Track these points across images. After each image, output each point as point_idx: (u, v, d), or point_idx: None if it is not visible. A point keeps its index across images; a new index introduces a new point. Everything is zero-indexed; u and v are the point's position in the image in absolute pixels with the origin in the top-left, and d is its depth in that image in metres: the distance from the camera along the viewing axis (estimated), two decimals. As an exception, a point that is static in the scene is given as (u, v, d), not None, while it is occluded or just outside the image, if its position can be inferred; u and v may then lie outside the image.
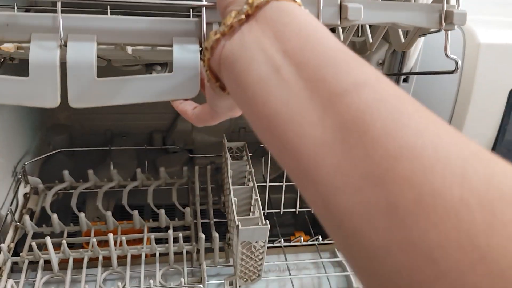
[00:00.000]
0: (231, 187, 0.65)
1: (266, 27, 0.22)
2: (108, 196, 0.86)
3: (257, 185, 0.67)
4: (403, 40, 0.57)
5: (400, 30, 0.57)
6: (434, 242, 0.14)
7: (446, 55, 0.46)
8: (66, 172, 0.82)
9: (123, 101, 0.31)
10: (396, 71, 0.65)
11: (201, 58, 0.28)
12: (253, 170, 0.71)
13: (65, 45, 0.30)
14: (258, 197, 0.64)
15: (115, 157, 0.95)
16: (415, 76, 0.65)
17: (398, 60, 0.64)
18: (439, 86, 0.73)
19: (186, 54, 0.32)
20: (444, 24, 0.42)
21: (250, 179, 0.71)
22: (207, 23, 0.32)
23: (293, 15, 0.22)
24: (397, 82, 0.66)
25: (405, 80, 0.65)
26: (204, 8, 0.31)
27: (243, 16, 0.23)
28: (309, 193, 0.19)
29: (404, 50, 0.61)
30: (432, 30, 0.45)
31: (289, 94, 0.20)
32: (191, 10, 0.60)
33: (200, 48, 0.32)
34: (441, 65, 0.47)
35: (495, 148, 0.72)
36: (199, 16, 0.33)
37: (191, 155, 1.00)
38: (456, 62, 0.46)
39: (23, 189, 0.78)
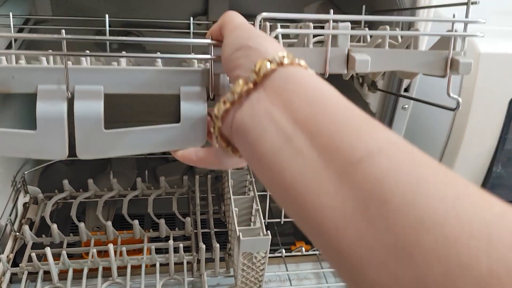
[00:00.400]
0: (232, 197, 0.65)
1: (274, 97, 0.22)
2: (108, 205, 0.86)
3: (257, 194, 0.67)
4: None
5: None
6: None
7: (448, 95, 0.46)
8: (65, 182, 0.81)
9: (132, 151, 0.32)
10: (395, 86, 0.65)
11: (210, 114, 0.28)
12: (253, 180, 0.71)
13: (72, 97, 0.30)
14: (259, 207, 0.64)
15: (115, 166, 0.95)
16: (415, 87, 0.65)
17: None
18: (439, 97, 0.73)
19: (193, 105, 0.32)
20: (449, 70, 0.42)
21: (251, 189, 0.71)
22: (214, 74, 0.33)
23: (300, 82, 0.22)
24: (396, 97, 0.66)
25: (406, 90, 0.65)
26: (212, 61, 0.32)
27: (251, 85, 0.23)
28: (335, 263, 0.19)
29: (408, 79, 0.61)
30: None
31: (303, 164, 0.20)
32: (191, 22, 0.61)
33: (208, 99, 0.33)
34: (438, 82, 0.47)
35: (495, 157, 0.71)
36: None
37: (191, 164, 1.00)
38: (458, 102, 0.47)
39: (22, 199, 0.78)
